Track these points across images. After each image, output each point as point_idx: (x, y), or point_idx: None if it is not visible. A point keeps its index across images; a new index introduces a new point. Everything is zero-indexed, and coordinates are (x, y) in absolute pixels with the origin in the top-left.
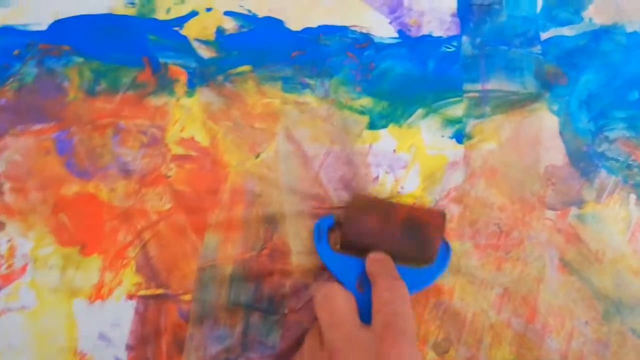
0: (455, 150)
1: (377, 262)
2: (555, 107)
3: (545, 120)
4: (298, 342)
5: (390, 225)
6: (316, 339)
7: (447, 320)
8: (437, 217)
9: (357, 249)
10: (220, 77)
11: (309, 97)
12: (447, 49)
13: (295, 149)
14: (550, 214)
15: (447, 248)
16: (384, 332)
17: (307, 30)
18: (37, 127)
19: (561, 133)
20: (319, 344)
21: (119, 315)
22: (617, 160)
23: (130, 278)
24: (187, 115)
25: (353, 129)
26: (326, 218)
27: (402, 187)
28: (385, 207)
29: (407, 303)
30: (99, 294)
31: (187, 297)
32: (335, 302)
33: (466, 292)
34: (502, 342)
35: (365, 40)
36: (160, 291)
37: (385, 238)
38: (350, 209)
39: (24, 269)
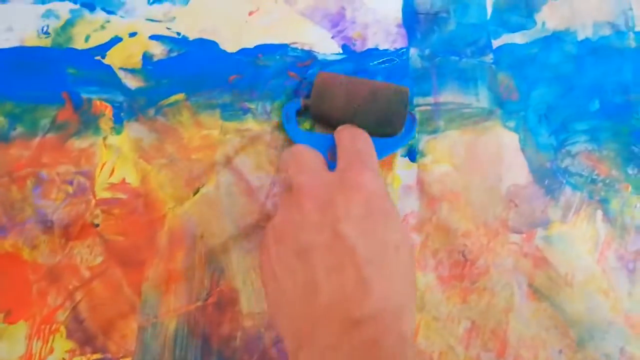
0: (408, 170)
1: (346, 129)
2: (512, 124)
3: (503, 138)
4: None
5: (356, 101)
6: (287, 191)
7: None
8: (401, 91)
9: (326, 126)
10: (151, 110)
11: (250, 123)
12: (383, 64)
13: (237, 179)
14: (515, 237)
15: (413, 119)
16: (346, 166)
17: (243, 51)
18: None
19: (523, 150)
20: (289, 193)
21: None
22: (581, 176)
23: (61, 345)
24: (116, 157)
25: None
26: (293, 102)
27: None
28: (350, 83)
29: (369, 145)
30: None
31: None
32: (303, 156)
33: (431, 329)
34: None
35: (307, 58)
36: (97, 356)
37: (352, 113)
38: (316, 86)
39: None
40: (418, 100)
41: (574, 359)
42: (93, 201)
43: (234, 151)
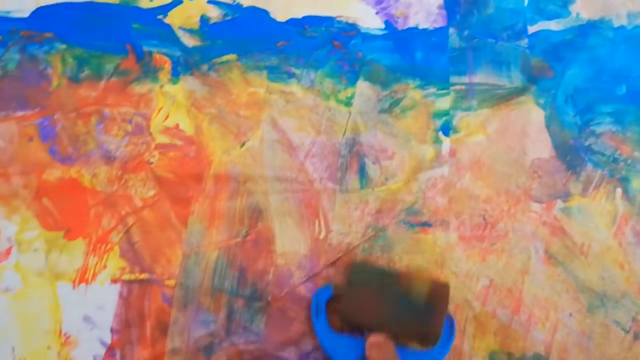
0: (441, 144)
1: (377, 347)
2: (542, 101)
3: (531, 114)
4: (282, 330)
5: (391, 302)
6: None
7: None
8: (441, 291)
9: (357, 326)
10: (204, 66)
11: (294, 87)
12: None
13: (280, 137)
14: (535, 206)
15: (451, 325)
16: None
17: (292, 21)
18: (20, 113)
19: (547, 126)
20: None
21: (103, 299)
22: (603, 154)
23: (114, 262)
24: (171, 103)
25: (339, 120)
26: (324, 289)
27: (386, 179)
28: (385, 281)
29: None
30: (83, 277)
31: (171, 282)
32: None
33: (450, 283)
34: (487, 333)
35: (351, 30)
36: (144, 276)
37: (386, 315)
38: (348, 283)
39: (8, 252)
40: (454, 79)
41: (583, 322)
42: (153, 144)
43: (279, 113)
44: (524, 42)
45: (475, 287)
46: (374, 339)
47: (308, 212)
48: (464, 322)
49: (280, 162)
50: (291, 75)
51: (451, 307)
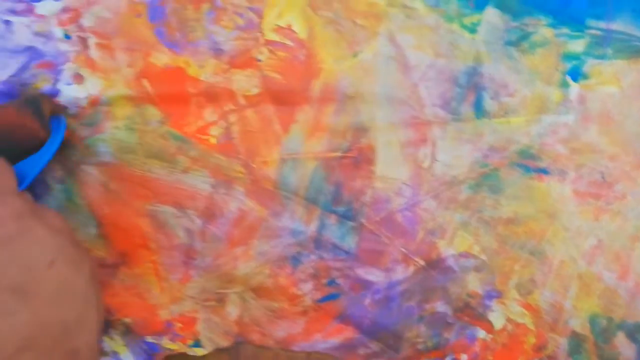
0: (569, 88)
1: None
2: None
3: None
4: (373, 255)
5: None
6: None
7: (533, 261)
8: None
9: None
10: None
11: (417, 3)
12: None
13: (396, 54)
14: None
15: (58, 122)
16: None
17: None
18: None
19: None
20: None
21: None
22: None
23: None
24: (286, 1)
25: (461, 45)
26: None
27: (506, 113)
28: None
29: None
30: None
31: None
32: None
33: (558, 237)
34: (591, 294)
35: None
36: None
37: None
38: None
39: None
40: (590, 22)
41: None
42: (262, 39)
43: (398, 28)
44: None
45: (583, 246)
46: None
47: (415, 136)
48: (569, 280)
49: (392, 81)
50: None
51: (555, 262)
